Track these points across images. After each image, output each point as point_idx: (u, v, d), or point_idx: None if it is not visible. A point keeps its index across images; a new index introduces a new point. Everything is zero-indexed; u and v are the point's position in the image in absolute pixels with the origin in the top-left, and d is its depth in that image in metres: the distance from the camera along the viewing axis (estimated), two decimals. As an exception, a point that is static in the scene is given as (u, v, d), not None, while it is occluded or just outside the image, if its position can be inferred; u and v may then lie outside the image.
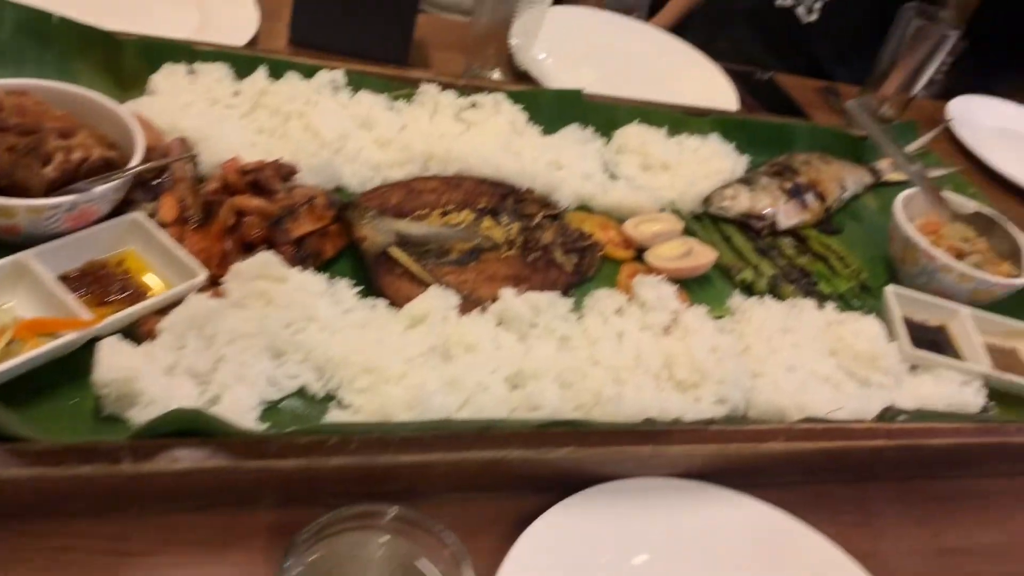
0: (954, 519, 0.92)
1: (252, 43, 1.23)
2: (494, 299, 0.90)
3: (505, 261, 0.97)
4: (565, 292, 0.98)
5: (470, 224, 1.00)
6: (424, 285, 0.89)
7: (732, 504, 0.80)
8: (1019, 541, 0.92)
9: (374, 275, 0.89)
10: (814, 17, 1.93)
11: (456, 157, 1.08)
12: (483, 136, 1.14)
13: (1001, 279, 1.10)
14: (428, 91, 1.17)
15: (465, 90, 1.19)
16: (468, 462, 0.71)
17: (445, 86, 1.18)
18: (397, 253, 0.90)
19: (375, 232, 0.91)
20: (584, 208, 1.14)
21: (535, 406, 0.81)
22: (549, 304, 0.92)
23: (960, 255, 1.14)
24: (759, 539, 0.79)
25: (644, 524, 0.76)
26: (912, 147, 1.40)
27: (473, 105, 1.18)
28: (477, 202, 1.04)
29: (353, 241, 0.92)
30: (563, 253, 1.02)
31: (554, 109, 1.23)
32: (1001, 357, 1.10)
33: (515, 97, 1.20)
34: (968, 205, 1.23)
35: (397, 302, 0.88)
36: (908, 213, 1.22)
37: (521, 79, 1.37)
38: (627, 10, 2.15)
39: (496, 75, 1.36)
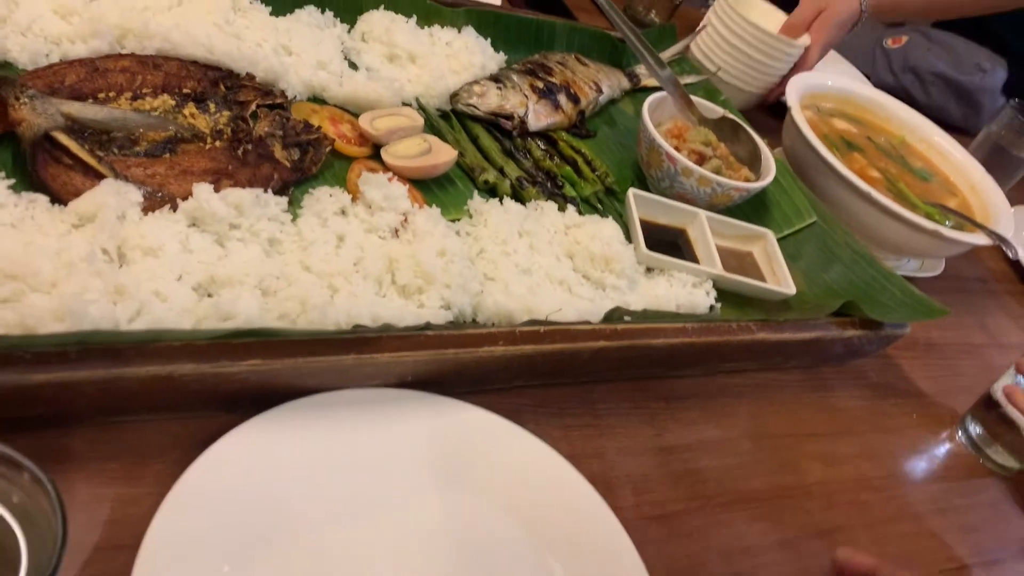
0: (676, 416, 0.93)
1: None
2: (188, 196, 0.78)
3: (207, 154, 0.85)
4: (283, 190, 0.88)
5: (168, 111, 0.87)
6: (99, 177, 0.76)
7: (444, 411, 0.76)
8: (735, 435, 0.95)
9: (32, 164, 0.75)
10: None
11: (157, 34, 0.93)
12: (196, 12, 0.99)
13: (737, 183, 1.12)
14: (129, -46, 0.99)
15: (175, -43, 1.02)
16: (125, 379, 0.61)
17: (150, -49, 1.01)
18: (63, 138, 0.76)
19: (35, 114, 0.76)
20: (317, 100, 1.03)
21: (226, 316, 0.71)
22: (255, 203, 0.81)
23: (702, 159, 1.15)
24: (468, 444, 0.75)
25: (341, 438, 0.70)
26: (668, 52, 1.40)
27: (186, -24, 1.02)
28: (181, 87, 0.90)
29: (10, 125, 0.77)
30: (283, 147, 0.91)
31: (288, -12, 1.10)
32: (735, 260, 1.12)
33: (238, -30, 1.05)
34: (716, 110, 1.25)
35: (63, 197, 0.74)
36: (657, 117, 1.22)
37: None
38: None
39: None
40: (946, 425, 1.12)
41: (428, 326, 0.76)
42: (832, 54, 1.89)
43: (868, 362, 1.15)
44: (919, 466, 1.05)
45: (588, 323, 0.85)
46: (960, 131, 1.95)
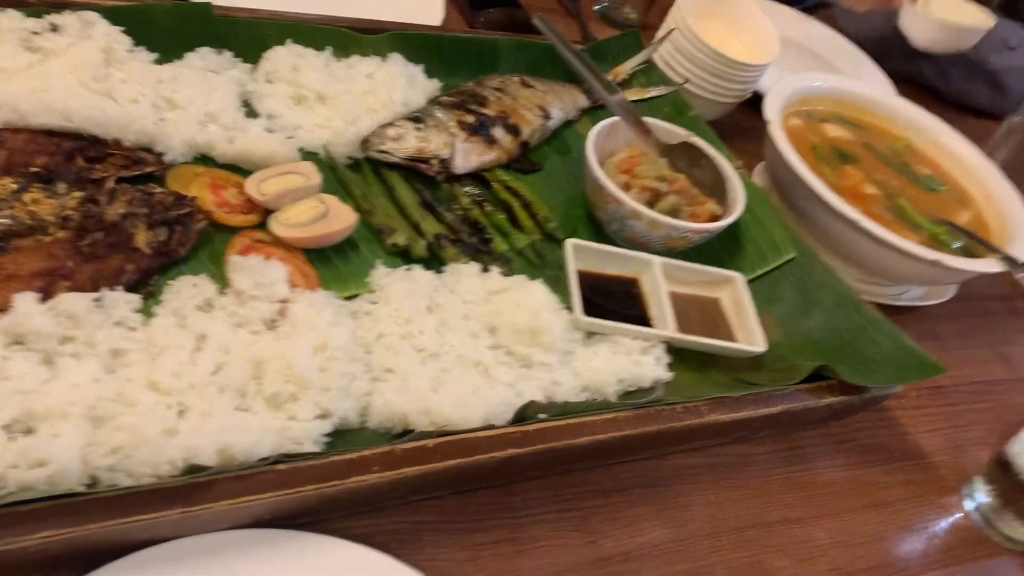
0: (616, 515, 0.81)
1: None
2: (6, 308, 0.67)
3: (44, 249, 0.73)
4: (143, 282, 0.77)
5: (5, 198, 0.75)
6: (-102, 297, 0.65)
7: (305, 553, 0.64)
8: (689, 533, 0.82)
9: None
10: None
11: (4, 103, 0.81)
12: (59, 70, 0.87)
13: (694, 226, 0.97)
14: (-19, 11, 0.88)
15: (39, 8, 0.91)
16: None
17: (7, 3, 0.89)
18: None
19: None
20: (205, 160, 0.91)
21: (40, 460, 0.60)
22: (94, 308, 0.70)
23: (656, 197, 1.01)
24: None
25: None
26: (631, 63, 1.24)
27: (53, 28, 0.91)
28: (28, 164, 0.79)
29: None
30: (147, 227, 0.79)
31: (177, 29, 0.98)
32: (698, 311, 0.98)
33: (115, 15, 0.93)
34: (677, 134, 1.09)
35: None
36: (611, 144, 1.07)
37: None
38: None
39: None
40: (951, 492, 0.97)
41: (281, 458, 0.64)
42: (822, 29, 1.71)
43: (857, 418, 1.00)
44: (914, 549, 0.90)
45: (492, 427, 0.72)
46: (986, 115, 1.77)
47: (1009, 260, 1.08)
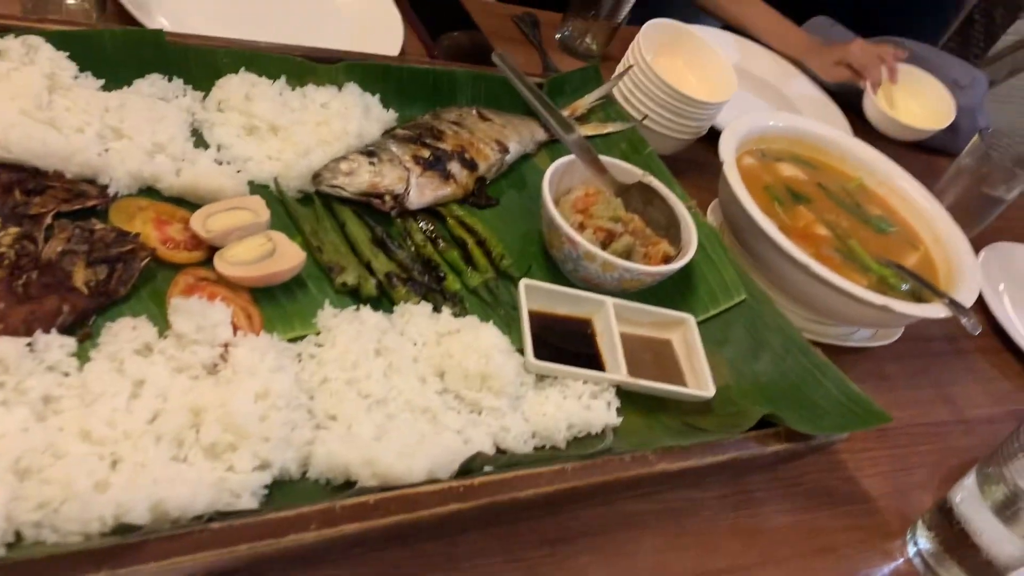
0: (562, 565, 0.80)
1: None
2: (-68, 354, 0.65)
3: (-25, 289, 0.71)
4: (79, 323, 0.74)
5: (-64, 234, 0.73)
6: None
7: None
8: (640, 582, 0.82)
9: None
10: None
11: (-62, 132, 0.79)
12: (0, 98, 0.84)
13: (647, 269, 0.97)
14: (-82, 33, 0.85)
15: (-20, 32, 0.88)
16: None
17: (-54, 26, 0.87)
18: None
19: None
20: (150, 193, 0.89)
21: (-42, 518, 0.58)
22: (25, 354, 0.68)
23: (610, 237, 1.01)
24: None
25: None
26: (591, 97, 1.24)
27: (-6, 53, 0.88)
28: (-38, 198, 0.76)
29: None
30: (87, 265, 0.77)
31: (125, 55, 0.95)
32: (650, 352, 0.98)
33: (60, 40, 0.91)
34: (633, 173, 1.10)
35: None
36: (567, 182, 1.07)
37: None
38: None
39: (72, 1, 1.05)
40: (895, 537, 0.98)
41: (215, 516, 0.63)
42: (787, 67, 1.74)
43: (804, 461, 1.01)
44: (856, 597, 0.91)
45: (435, 481, 0.71)
46: (938, 152, 1.81)
47: (955, 305, 1.10)
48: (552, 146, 1.21)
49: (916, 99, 1.70)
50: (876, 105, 1.61)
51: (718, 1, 1.78)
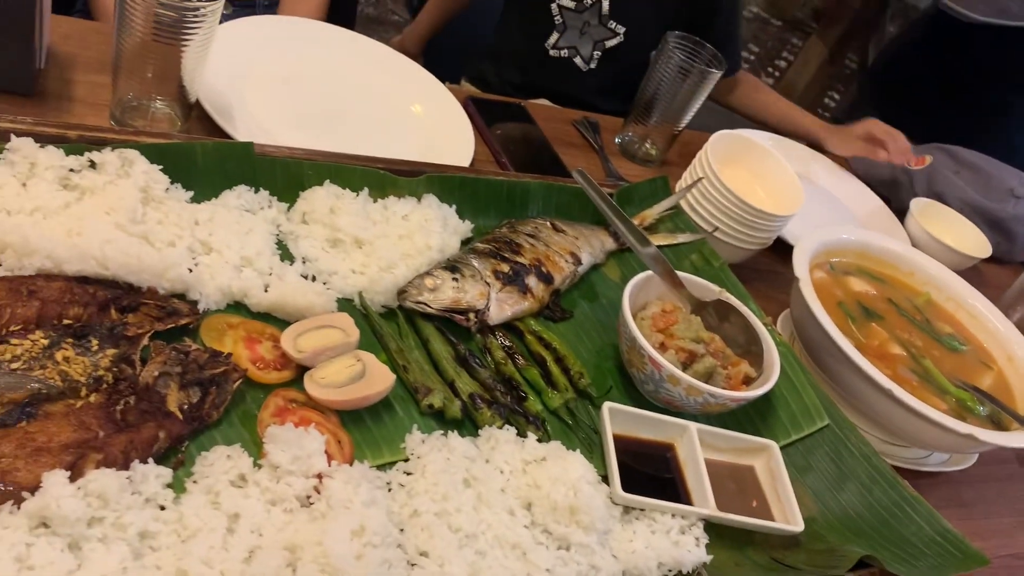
0: None
1: None
2: (37, 488, 0.63)
3: (75, 416, 0.70)
4: (174, 449, 0.73)
5: (37, 355, 0.72)
6: (-82, 476, 0.61)
7: None
8: None
9: None
10: (593, 66, 1.78)
11: (39, 249, 0.79)
12: (95, 210, 0.85)
13: (733, 394, 0.95)
14: (21, 146, 0.86)
15: (80, 145, 0.89)
16: None
17: (48, 139, 0.88)
18: None
19: None
20: (238, 307, 0.89)
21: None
22: (124, 488, 0.66)
23: (692, 358, 0.99)
24: None
25: None
26: (658, 208, 1.24)
27: (92, 165, 0.89)
28: (62, 316, 0.76)
29: None
30: (179, 387, 0.76)
31: (214, 166, 0.96)
32: (734, 480, 0.96)
33: (156, 153, 0.92)
34: (711, 290, 1.09)
35: None
36: (643, 297, 1.06)
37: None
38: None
39: (159, 107, 1.07)
40: None
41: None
42: (848, 177, 1.75)
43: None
44: None
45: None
46: (996, 260, 1.79)
47: (1039, 434, 1.07)
48: (620, 255, 1.21)
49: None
50: (918, 223, 1.60)
51: (739, 91, 1.88)
